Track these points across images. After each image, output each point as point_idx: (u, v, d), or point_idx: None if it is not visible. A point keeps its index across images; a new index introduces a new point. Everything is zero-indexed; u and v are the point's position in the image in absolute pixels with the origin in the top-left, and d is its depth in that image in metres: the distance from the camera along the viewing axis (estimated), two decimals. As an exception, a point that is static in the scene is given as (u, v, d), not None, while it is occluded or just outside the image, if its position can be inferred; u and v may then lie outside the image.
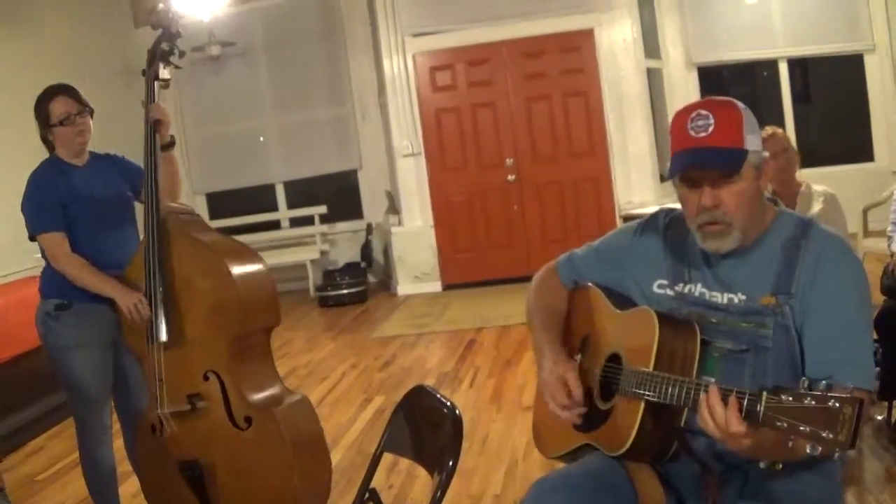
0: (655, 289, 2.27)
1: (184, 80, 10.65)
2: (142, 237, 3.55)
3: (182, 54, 3.64)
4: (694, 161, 2.05)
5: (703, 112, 2.04)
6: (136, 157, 3.76)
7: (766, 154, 2.12)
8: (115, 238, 3.63)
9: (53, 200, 3.50)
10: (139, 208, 3.73)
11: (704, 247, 2.12)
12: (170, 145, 3.61)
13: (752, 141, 2.05)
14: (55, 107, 3.54)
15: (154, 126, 3.51)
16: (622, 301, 2.34)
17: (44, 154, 3.65)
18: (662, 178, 9.40)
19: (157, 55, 3.57)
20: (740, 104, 2.08)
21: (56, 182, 3.52)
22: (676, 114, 2.12)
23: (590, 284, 2.46)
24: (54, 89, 3.58)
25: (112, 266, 3.54)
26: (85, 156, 3.66)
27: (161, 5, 3.58)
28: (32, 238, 3.56)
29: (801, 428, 1.58)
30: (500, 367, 6.24)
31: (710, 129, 2.02)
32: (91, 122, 3.62)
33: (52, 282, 3.57)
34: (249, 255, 3.52)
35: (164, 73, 3.59)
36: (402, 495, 4.14)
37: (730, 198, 2.03)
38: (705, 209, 2.05)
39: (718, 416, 1.74)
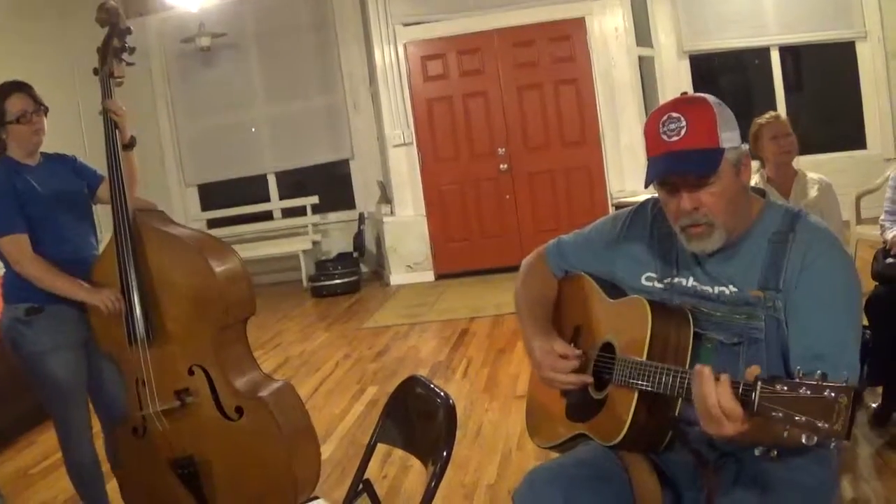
0: (643, 281, 2.26)
1: (174, 71, 10.64)
2: (104, 235, 3.50)
3: (132, 50, 3.56)
4: (668, 167, 2.01)
5: (675, 115, 2.00)
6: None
7: (746, 147, 2.08)
8: (79, 232, 3.57)
9: (11, 202, 3.37)
10: (99, 209, 3.71)
11: (689, 248, 2.10)
12: (130, 146, 3.54)
13: (729, 138, 2.01)
14: (12, 103, 3.43)
15: (112, 123, 3.45)
16: (614, 290, 2.33)
17: None
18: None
19: (110, 52, 3.49)
20: (713, 100, 2.04)
21: (12, 183, 3.40)
22: (649, 117, 2.08)
23: (581, 273, 2.45)
24: (11, 86, 3.48)
25: (78, 262, 3.48)
26: (37, 156, 3.56)
27: (111, 2, 3.51)
28: None
29: (797, 418, 1.56)
30: (493, 357, 6.24)
31: (683, 132, 1.98)
32: (45, 122, 3.53)
33: (19, 286, 3.44)
34: (221, 246, 3.54)
35: (118, 70, 3.51)
36: (396, 486, 4.13)
37: (709, 199, 2.00)
38: (685, 213, 2.03)
39: (711, 397, 1.71)
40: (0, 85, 3.50)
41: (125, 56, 3.55)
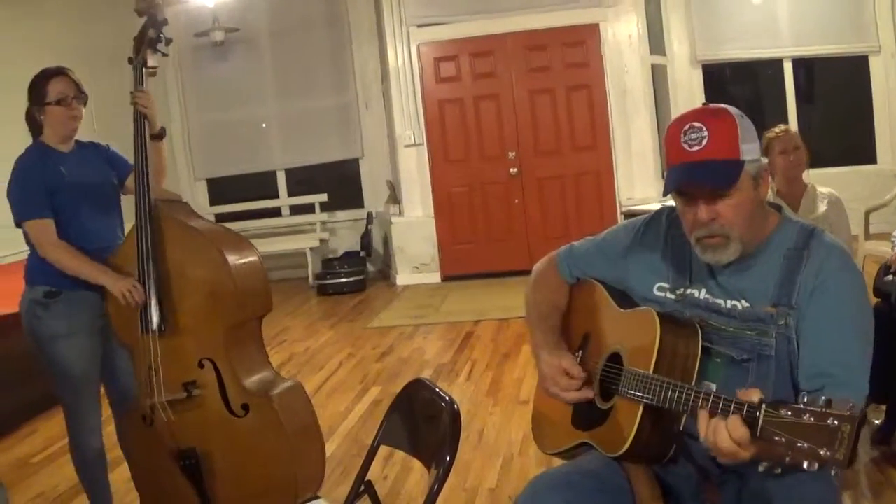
0: (656, 291, 2.25)
1: (187, 65, 10.65)
2: (129, 226, 3.53)
3: (169, 41, 3.59)
4: (687, 177, 2.01)
5: (697, 124, 2.00)
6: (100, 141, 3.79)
7: (765, 160, 2.09)
8: (103, 224, 3.60)
9: (39, 187, 3.42)
10: (124, 199, 3.72)
11: (704, 259, 2.09)
12: (159, 136, 3.58)
13: (749, 150, 2.01)
14: (54, 86, 3.47)
15: (141, 113, 3.48)
16: (625, 299, 2.32)
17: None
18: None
19: (145, 42, 3.52)
20: (735, 111, 2.04)
21: (42, 168, 3.45)
22: (670, 125, 2.08)
23: (592, 280, 2.45)
24: (56, 70, 3.52)
25: (100, 251, 3.51)
26: (71, 143, 3.59)
27: None
28: (18, 225, 3.49)
29: (799, 444, 1.56)
30: (497, 361, 6.23)
31: (704, 142, 1.98)
32: (83, 111, 3.57)
33: (39, 269, 3.49)
34: (241, 242, 3.53)
35: (152, 60, 3.56)
36: (397, 487, 4.14)
37: (727, 210, 2.00)
38: (702, 224, 2.03)
39: (720, 432, 1.72)
40: (45, 68, 3.54)
41: (160, 47, 3.58)
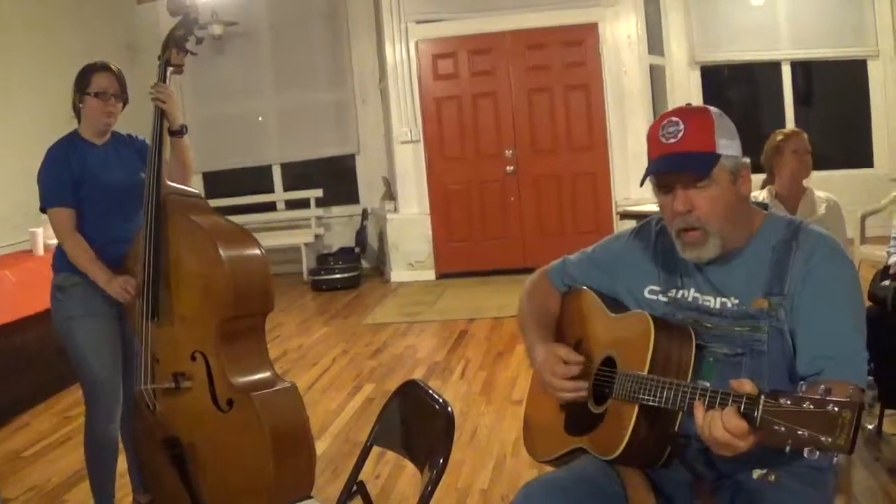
0: (647, 294, 2.27)
1: (185, 58, 10.61)
2: None
3: (199, 41, 3.71)
4: (662, 165, 2.08)
5: (674, 119, 2.08)
6: (137, 134, 3.83)
7: (746, 160, 2.12)
8: (122, 221, 3.63)
9: (64, 175, 3.52)
10: None
11: (685, 256, 2.13)
12: (179, 132, 3.63)
13: (727, 146, 2.06)
14: (98, 78, 3.56)
15: (159, 109, 3.52)
16: (616, 305, 2.33)
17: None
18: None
19: (172, 41, 3.59)
20: (714, 110, 2.10)
21: (70, 158, 3.54)
22: (652, 124, 2.15)
23: (583, 288, 2.46)
24: (104, 65, 3.62)
25: (117, 243, 3.57)
26: (106, 136, 3.67)
27: None
28: (43, 210, 3.62)
29: (800, 432, 1.57)
30: (491, 360, 6.23)
31: (680, 135, 2.05)
32: (120, 111, 3.65)
33: (63, 256, 3.60)
34: (246, 239, 3.50)
35: (178, 58, 3.62)
36: (389, 486, 4.13)
37: (702, 202, 2.04)
38: (679, 213, 2.07)
39: (715, 423, 1.72)
40: (95, 61, 3.65)
41: (189, 46, 3.67)
